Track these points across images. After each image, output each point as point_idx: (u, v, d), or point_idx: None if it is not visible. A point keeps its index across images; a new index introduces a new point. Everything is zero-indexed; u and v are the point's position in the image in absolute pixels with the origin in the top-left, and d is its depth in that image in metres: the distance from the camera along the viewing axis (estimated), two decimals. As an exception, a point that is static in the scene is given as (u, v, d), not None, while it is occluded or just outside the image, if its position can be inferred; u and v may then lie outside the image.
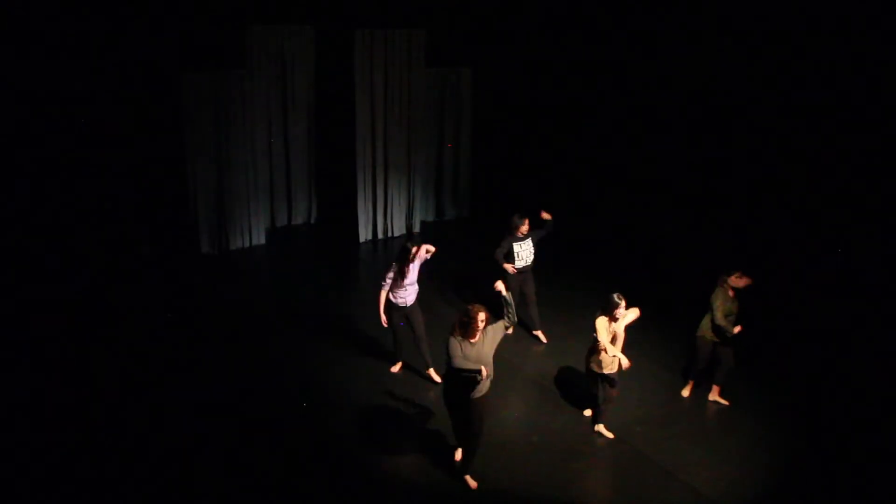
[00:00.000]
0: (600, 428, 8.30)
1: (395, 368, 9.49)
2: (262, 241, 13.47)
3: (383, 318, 8.89)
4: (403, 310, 8.93)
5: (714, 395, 8.90)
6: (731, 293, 8.43)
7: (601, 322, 7.73)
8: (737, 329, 8.39)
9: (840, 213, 11.67)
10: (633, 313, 7.90)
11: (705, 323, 8.63)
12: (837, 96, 11.47)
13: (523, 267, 9.93)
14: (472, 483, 7.43)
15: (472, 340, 6.98)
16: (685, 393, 9.06)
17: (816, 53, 11.66)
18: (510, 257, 9.85)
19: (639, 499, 7.47)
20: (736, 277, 8.37)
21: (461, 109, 14.67)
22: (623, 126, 14.99)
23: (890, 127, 10.93)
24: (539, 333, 10.35)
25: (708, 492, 7.49)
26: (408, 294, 8.87)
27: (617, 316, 7.68)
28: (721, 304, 8.38)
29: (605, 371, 7.93)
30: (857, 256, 11.41)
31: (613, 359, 7.84)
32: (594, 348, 7.90)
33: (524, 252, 9.91)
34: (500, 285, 7.50)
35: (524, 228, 9.89)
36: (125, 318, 10.49)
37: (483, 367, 6.90)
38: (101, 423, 8.19)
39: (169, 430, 8.15)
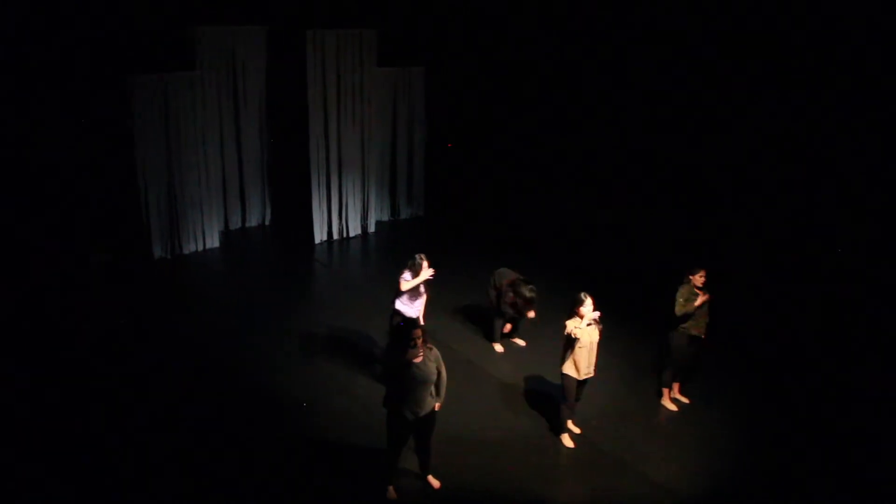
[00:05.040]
0: (563, 437, 8.30)
1: None
2: (216, 244, 13.35)
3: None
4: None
5: (666, 399, 9.01)
6: (697, 290, 8.45)
7: (570, 323, 7.79)
8: (700, 300, 8.42)
9: (799, 204, 11.99)
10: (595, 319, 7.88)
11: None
12: (817, 91, 11.74)
13: None
14: (435, 483, 7.47)
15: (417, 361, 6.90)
16: (670, 404, 8.96)
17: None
18: None
19: (599, 491, 7.58)
20: (699, 276, 8.47)
21: (414, 109, 14.70)
22: (578, 123, 15.15)
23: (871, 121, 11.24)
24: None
25: (667, 483, 7.63)
26: (416, 305, 8.95)
27: (582, 314, 7.76)
28: (683, 301, 8.41)
29: (572, 374, 7.96)
30: (812, 247, 11.71)
31: (582, 361, 7.85)
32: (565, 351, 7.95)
33: None
34: None
35: None
36: (77, 327, 10.30)
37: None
38: (55, 433, 8.05)
39: (123, 437, 8.04)
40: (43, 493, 7.22)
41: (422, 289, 8.97)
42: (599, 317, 7.82)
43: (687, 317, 8.45)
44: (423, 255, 8.87)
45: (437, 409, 7.12)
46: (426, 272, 8.80)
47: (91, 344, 9.88)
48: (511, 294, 9.53)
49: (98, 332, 10.20)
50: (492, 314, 10.11)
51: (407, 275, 8.83)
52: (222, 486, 7.40)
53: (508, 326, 10.24)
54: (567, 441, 8.24)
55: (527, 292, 9.43)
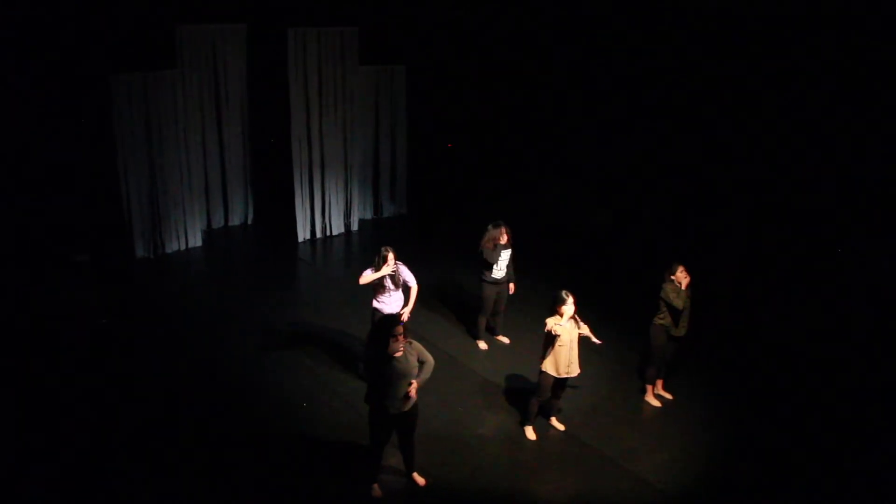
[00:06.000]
0: (527, 429, 8.38)
1: None
2: (199, 243, 13.29)
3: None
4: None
5: (650, 395, 9.05)
6: (682, 287, 8.46)
7: (550, 321, 7.83)
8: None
9: (784, 203, 12.09)
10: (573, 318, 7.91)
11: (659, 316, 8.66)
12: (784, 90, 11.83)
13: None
14: (421, 480, 7.48)
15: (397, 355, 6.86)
16: (653, 400, 9.01)
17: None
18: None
19: (583, 487, 7.63)
20: (679, 273, 8.49)
21: (396, 107, 14.69)
22: (562, 121, 15.20)
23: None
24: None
25: (651, 478, 7.69)
26: (392, 302, 8.87)
27: (562, 312, 7.79)
28: (673, 297, 8.42)
29: (550, 372, 7.99)
30: (798, 244, 11.80)
31: (562, 359, 7.89)
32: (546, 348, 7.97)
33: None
34: None
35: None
36: (59, 327, 10.24)
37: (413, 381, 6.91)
38: (39, 434, 8.01)
39: (107, 438, 8.01)
40: (29, 495, 7.18)
41: (389, 284, 8.79)
42: (575, 312, 7.86)
43: (673, 311, 8.49)
44: (388, 248, 8.69)
45: (415, 388, 6.92)
46: (387, 267, 8.64)
47: (73, 344, 9.82)
48: (485, 240, 9.59)
49: (81, 332, 10.13)
50: (475, 311, 10.14)
51: (369, 270, 8.78)
52: (205, 486, 7.38)
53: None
54: (530, 433, 8.31)
55: (491, 227, 9.54)
